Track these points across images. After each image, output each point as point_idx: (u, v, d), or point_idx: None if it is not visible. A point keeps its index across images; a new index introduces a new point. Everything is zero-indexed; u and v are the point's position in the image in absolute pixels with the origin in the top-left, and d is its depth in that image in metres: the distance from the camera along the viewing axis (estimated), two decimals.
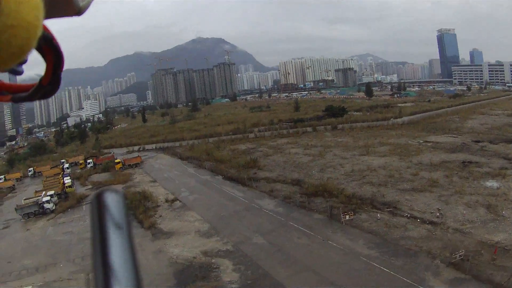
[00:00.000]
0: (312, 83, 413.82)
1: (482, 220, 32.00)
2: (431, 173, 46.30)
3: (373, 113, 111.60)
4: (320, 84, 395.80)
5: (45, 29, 0.93)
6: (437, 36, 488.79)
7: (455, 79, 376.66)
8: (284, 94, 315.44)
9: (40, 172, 78.84)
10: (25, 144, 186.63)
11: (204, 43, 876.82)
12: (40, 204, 49.99)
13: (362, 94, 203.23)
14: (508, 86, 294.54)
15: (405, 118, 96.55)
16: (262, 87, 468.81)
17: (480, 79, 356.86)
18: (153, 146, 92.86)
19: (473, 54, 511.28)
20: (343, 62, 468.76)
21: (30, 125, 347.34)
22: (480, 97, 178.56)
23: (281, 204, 42.03)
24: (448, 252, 27.19)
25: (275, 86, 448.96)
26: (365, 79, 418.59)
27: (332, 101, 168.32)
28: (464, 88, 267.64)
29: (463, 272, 24.79)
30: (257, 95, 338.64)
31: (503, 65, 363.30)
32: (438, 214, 33.95)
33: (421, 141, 68.61)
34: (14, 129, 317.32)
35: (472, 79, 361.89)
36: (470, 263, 25.04)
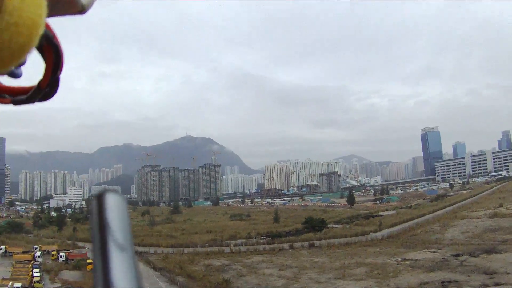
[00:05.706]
0: (296, 188, 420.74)
1: None
2: None
3: (353, 226, 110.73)
4: (304, 189, 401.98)
5: (47, 27, 0.92)
6: (421, 135, 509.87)
7: (438, 175, 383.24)
8: (266, 200, 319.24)
9: (11, 252, 76.43)
10: (4, 215, 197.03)
11: (193, 141, 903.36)
12: None
13: (344, 200, 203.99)
14: (491, 176, 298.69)
15: (385, 232, 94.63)
16: (246, 191, 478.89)
17: (463, 171, 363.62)
18: None
19: (456, 147, 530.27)
20: (327, 165, 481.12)
21: (13, 197, 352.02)
22: (463, 196, 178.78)
23: None
24: None
25: (259, 190, 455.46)
26: (349, 182, 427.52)
27: (314, 210, 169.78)
28: (447, 185, 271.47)
29: None
30: (240, 199, 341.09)
31: (485, 154, 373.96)
32: None
33: (400, 259, 65.78)
34: None
35: (455, 173, 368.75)
36: None
